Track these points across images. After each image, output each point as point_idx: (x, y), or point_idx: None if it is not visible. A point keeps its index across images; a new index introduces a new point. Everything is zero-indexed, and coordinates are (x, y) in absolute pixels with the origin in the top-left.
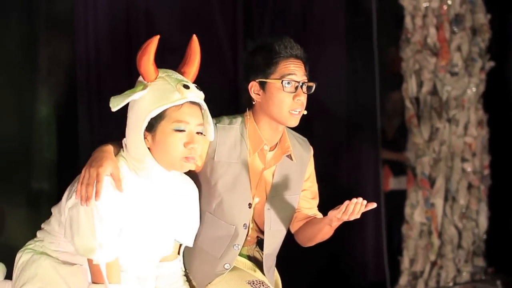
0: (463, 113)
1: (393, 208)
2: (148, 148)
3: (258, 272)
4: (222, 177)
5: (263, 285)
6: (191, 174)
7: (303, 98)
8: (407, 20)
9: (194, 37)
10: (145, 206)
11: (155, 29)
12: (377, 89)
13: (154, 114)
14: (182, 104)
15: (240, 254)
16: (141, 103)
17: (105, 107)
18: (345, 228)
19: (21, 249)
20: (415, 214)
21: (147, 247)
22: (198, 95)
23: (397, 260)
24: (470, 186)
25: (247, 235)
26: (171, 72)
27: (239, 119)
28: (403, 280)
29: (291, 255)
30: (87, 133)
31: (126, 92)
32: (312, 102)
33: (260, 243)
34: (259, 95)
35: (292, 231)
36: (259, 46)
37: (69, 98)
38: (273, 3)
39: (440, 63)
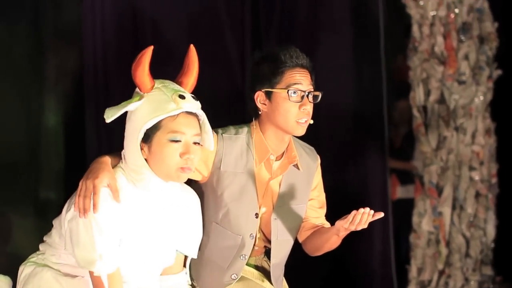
0: (471, 122)
1: (400, 216)
2: (145, 159)
3: (266, 282)
4: (229, 187)
5: None
6: (197, 184)
7: (309, 108)
8: (415, 28)
9: (192, 47)
10: (144, 217)
11: (162, 38)
12: (385, 98)
13: (149, 124)
14: (177, 115)
15: (248, 264)
16: (137, 114)
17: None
18: (353, 237)
19: (23, 263)
20: (423, 223)
21: (148, 257)
22: (194, 105)
23: (404, 269)
24: (477, 195)
25: (254, 245)
26: (167, 82)
27: (245, 129)
28: None
29: (299, 264)
30: (94, 141)
31: (122, 103)
32: (319, 110)
33: (268, 253)
34: (265, 104)
35: (300, 240)
36: (265, 56)
37: (77, 107)
38: (280, 12)
39: (448, 72)
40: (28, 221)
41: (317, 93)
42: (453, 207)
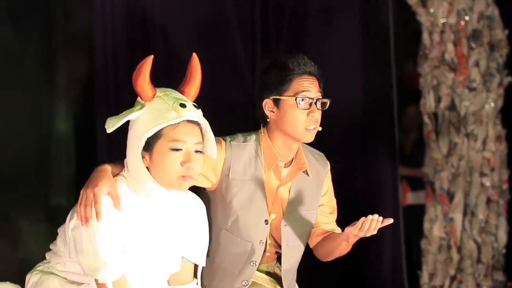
0: (481, 128)
1: (411, 222)
2: (147, 168)
3: None
4: (237, 194)
5: None
6: (206, 191)
7: (317, 115)
8: (425, 36)
9: (194, 55)
10: (147, 224)
11: (172, 45)
12: (395, 105)
13: (150, 133)
14: (178, 123)
15: (260, 270)
16: (138, 122)
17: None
18: (364, 243)
19: (30, 271)
20: (434, 229)
21: (153, 264)
22: (195, 114)
23: (416, 274)
24: (489, 201)
25: (265, 251)
26: (169, 91)
27: (253, 136)
28: None
29: (310, 270)
30: (105, 148)
31: (123, 113)
32: (330, 117)
33: (280, 259)
34: (273, 112)
35: (311, 246)
36: (273, 63)
37: (87, 114)
38: (290, 19)
39: (458, 79)
40: (38, 227)
41: (325, 100)
42: (464, 213)
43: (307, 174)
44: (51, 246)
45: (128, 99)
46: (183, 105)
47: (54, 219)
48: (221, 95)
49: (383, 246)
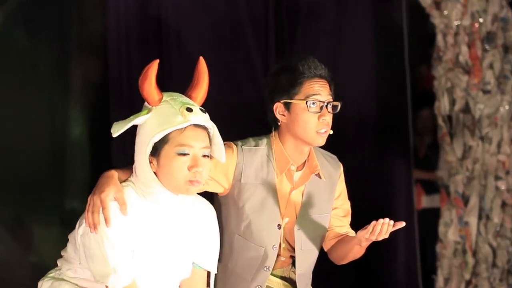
0: (496, 131)
1: (426, 226)
2: (155, 172)
3: None
4: (250, 199)
5: None
6: (218, 196)
7: (328, 118)
8: (439, 38)
9: (201, 59)
10: (156, 229)
11: (187, 49)
12: (409, 107)
13: (157, 138)
14: (185, 128)
15: (275, 275)
16: (145, 127)
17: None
18: (379, 247)
19: (42, 278)
20: (449, 233)
21: (162, 269)
22: (202, 118)
23: (431, 279)
24: (504, 204)
25: (279, 255)
26: (176, 95)
27: (264, 140)
28: None
29: (324, 273)
30: (120, 152)
31: (130, 117)
32: (343, 120)
33: (295, 264)
34: (284, 116)
35: (325, 249)
36: (283, 66)
37: (102, 118)
38: (304, 23)
39: (472, 81)
40: (53, 231)
41: (336, 103)
42: (480, 217)
43: (320, 177)
44: (62, 253)
45: (143, 102)
46: (189, 109)
47: (69, 224)
48: (234, 96)
49: (397, 250)
